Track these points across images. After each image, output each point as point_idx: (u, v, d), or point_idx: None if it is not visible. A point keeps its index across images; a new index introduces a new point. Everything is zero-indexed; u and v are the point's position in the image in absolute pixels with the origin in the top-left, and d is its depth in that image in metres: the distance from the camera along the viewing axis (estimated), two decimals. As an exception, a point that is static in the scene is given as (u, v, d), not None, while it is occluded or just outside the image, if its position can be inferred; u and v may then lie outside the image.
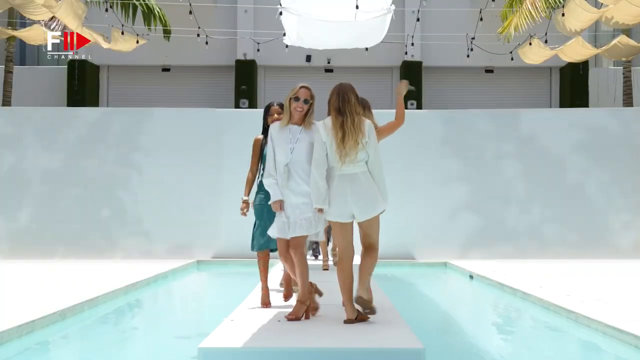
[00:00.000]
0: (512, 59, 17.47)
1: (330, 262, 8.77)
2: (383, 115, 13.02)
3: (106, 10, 16.03)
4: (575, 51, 16.01)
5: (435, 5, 19.34)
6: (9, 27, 17.00)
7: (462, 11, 19.53)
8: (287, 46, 13.78)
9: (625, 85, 18.06)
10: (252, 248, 6.00)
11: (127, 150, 12.78)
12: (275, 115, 5.95)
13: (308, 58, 19.87)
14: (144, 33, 17.39)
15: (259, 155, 6.09)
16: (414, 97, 20.39)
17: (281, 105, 5.91)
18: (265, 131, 6.08)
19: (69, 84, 20.23)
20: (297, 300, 5.20)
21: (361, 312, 5.10)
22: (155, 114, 13.05)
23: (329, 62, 20.24)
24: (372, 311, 5.15)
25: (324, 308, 5.51)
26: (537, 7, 14.72)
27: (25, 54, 21.93)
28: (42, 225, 12.57)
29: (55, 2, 13.46)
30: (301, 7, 9.37)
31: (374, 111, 6.11)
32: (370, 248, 5.17)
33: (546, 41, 16.08)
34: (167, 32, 18.17)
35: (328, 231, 8.56)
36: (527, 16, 14.97)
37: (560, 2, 15.08)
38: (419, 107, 20.14)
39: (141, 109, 13.54)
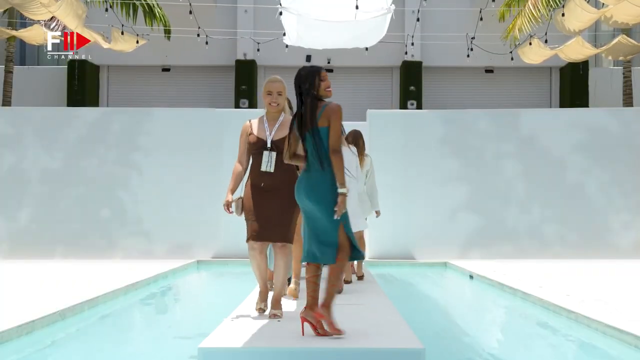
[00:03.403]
0: (512, 59, 17.47)
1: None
2: (382, 115, 13.10)
3: (106, 10, 16.04)
4: (575, 51, 16.02)
5: (435, 5, 19.33)
6: (9, 27, 17.01)
7: (462, 11, 19.53)
8: (287, 46, 13.80)
9: (625, 85, 18.06)
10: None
11: (127, 150, 12.77)
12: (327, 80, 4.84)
13: (308, 58, 19.84)
14: (144, 33, 17.41)
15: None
16: (414, 97, 20.41)
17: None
18: (318, 100, 4.75)
19: (69, 84, 20.24)
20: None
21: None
22: (155, 114, 13.04)
23: (329, 62, 20.24)
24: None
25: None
26: (538, 8, 14.73)
27: (25, 54, 21.94)
28: (42, 225, 12.56)
29: (55, 2, 13.46)
30: (301, 7, 9.39)
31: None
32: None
33: (546, 41, 16.09)
34: (167, 32, 18.19)
35: None
36: (530, 18, 14.99)
37: (560, 2, 15.09)
38: (419, 107, 20.15)
39: (141, 109, 13.54)
